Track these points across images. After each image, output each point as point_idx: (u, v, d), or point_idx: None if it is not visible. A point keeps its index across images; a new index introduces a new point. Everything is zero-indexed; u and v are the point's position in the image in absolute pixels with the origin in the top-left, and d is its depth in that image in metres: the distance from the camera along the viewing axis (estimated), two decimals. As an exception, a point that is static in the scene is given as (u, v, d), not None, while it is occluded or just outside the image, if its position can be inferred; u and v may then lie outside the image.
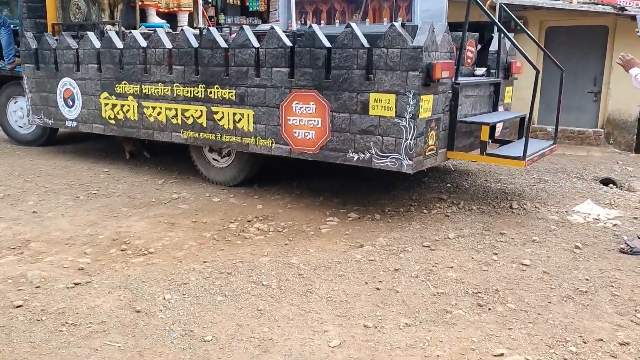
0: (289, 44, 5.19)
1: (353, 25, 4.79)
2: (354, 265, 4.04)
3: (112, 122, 6.77)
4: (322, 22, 7.28)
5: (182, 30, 5.92)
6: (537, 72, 4.65)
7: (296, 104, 5.22)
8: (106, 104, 6.78)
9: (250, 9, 16.55)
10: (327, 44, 4.97)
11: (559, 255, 4.27)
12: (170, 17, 8.23)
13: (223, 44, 5.63)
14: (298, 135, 5.26)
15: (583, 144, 8.64)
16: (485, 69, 6.20)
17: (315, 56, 5.01)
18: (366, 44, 4.76)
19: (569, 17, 8.37)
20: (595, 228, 4.91)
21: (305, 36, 5.06)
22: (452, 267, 4.02)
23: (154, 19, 7.76)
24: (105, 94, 6.76)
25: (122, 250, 4.38)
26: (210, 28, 5.72)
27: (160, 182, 6.38)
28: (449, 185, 6.25)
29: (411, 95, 4.56)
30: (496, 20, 5.04)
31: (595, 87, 8.82)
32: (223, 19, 17.70)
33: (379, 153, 4.82)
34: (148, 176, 6.68)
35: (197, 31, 6.27)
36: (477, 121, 5.14)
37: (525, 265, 4.07)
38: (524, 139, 5.91)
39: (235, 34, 8.01)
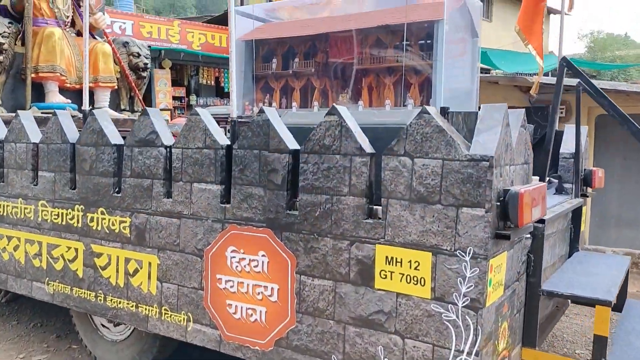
0: (222, 142, 2.82)
1: (341, 109, 2.46)
2: None
3: (-46, 254, 4.23)
4: (294, 104, 5.01)
5: (54, 113, 3.55)
6: None
7: (233, 252, 2.77)
8: (-52, 226, 4.27)
9: (226, 89, 14.88)
10: (292, 143, 2.61)
11: None
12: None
13: (115, 139, 3.25)
14: (235, 312, 2.76)
15: (659, 274, 6.25)
16: (548, 180, 3.88)
17: (269, 166, 2.63)
18: (368, 148, 2.39)
19: (629, 102, 6.27)
20: None
21: (252, 128, 2.69)
22: None
23: (56, 97, 5.44)
24: (-52, 210, 4.27)
25: None
26: (97, 111, 3.36)
27: (12, 364, 3.76)
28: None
29: (468, 258, 2.13)
30: (617, 107, 2.74)
31: (668, 195, 6.58)
32: (195, 100, 15.63)
33: (395, 371, 2.31)
34: (4, 344, 4.06)
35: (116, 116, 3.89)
36: (583, 295, 2.67)
37: None
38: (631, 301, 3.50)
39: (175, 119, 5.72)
